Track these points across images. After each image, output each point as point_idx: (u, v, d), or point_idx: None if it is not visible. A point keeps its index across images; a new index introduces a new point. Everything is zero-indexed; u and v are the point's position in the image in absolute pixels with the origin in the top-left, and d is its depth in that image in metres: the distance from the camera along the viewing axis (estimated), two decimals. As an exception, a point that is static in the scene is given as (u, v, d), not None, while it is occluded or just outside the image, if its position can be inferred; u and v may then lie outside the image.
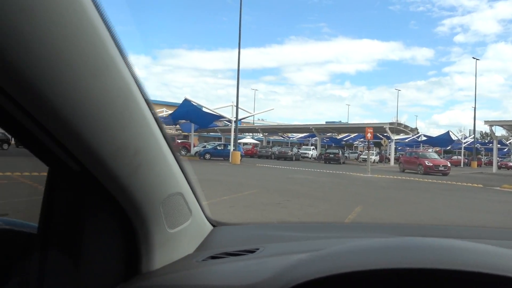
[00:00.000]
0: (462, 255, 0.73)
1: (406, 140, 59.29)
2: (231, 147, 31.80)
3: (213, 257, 1.05)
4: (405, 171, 29.56)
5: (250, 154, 44.48)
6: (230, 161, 29.68)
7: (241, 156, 31.63)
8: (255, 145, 52.23)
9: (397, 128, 42.82)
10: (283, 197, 11.15)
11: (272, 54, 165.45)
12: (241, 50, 29.55)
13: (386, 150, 51.06)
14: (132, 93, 0.72)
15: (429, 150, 41.25)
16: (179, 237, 1.06)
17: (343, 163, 40.99)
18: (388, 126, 40.78)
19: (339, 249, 0.81)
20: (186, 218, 1.10)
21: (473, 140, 54.95)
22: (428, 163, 27.52)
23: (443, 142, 57.29)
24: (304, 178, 19.15)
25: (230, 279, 0.89)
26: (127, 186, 0.81)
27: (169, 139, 0.92)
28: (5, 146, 29.70)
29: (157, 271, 0.96)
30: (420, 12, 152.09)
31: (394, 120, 48.34)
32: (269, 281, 0.78)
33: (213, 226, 1.37)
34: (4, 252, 0.98)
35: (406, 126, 44.76)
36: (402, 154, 61.26)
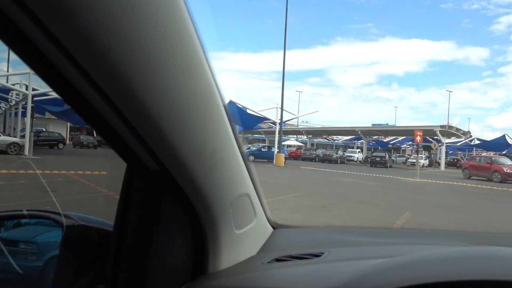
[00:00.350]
0: None
1: (458, 144, 56.86)
2: (275, 149, 31.78)
3: (278, 260, 1.04)
4: (471, 177, 27.09)
5: (294, 156, 44.35)
6: (274, 163, 29.69)
7: (285, 158, 31.54)
8: (299, 147, 51.96)
9: (448, 131, 41.13)
10: (328, 200, 10.98)
11: (317, 56, 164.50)
12: (286, 52, 29.53)
13: (436, 154, 49.28)
14: (213, 92, 0.73)
15: (483, 154, 39.25)
16: (244, 238, 1.07)
17: (390, 166, 39.91)
18: (438, 129, 39.29)
19: (417, 257, 0.77)
20: (251, 219, 1.11)
21: (531, 144, 51.77)
22: (507, 169, 24.51)
23: (499, 146, 54.32)
24: (350, 181, 18.80)
25: (298, 283, 0.87)
26: (201, 185, 0.82)
27: (239, 140, 0.93)
28: (61, 145, 31.40)
29: (223, 272, 0.97)
30: (474, 10, 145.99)
31: (445, 123, 46.59)
32: (345, 287, 0.75)
33: (274, 228, 1.36)
34: (81, 245, 1.05)
35: (458, 129, 42.98)
36: (455, 159, 59.09)
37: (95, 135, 32.63)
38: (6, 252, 1.21)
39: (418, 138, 24.78)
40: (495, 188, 19.85)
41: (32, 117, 23.08)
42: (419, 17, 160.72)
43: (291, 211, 8.80)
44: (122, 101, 0.59)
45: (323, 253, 1.05)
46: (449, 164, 54.41)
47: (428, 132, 39.75)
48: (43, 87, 23.91)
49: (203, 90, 0.69)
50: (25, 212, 1.27)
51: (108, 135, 0.70)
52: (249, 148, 38.52)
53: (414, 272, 0.71)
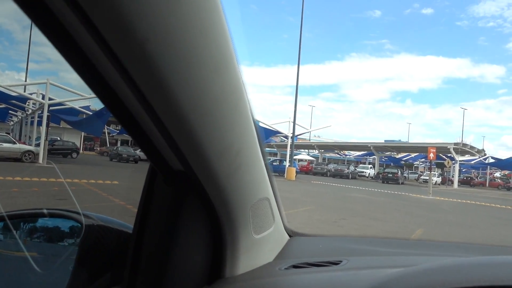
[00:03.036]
0: None
1: (472, 162, 56.00)
2: (287, 163, 31.68)
3: (295, 267, 1.03)
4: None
5: (305, 170, 44.11)
6: (285, 177, 29.57)
7: (296, 172, 31.39)
8: (310, 161, 51.71)
9: (462, 149, 40.67)
10: (339, 215, 10.88)
11: (331, 71, 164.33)
12: (300, 66, 29.63)
13: (449, 171, 48.62)
14: (242, 94, 0.73)
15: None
16: (262, 244, 1.06)
17: (402, 183, 39.43)
18: (452, 146, 38.83)
19: (433, 266, 0.76)
20: (270, 224, 1.10)
21: (547, 164, 50.75)
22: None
23: (513, 165, 53.45)
24: (361, 197, 18.62)
25: None
26: (225, 187, 0.81)
27: (262, 143, 0.92)
28: (74, 155, 31.70)
29: (240, 276, 0.95)
30: (490, 27, 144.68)
31: (459, 140, 45.98)
32: None
33: (290, 236, 1.35)
34: (99, 246, 1.04)
35: (472, 147, 42.47)
36: (468, 177, 57.95)
37: (133, 145, 30.81)
38: (25, 251, 1.23)
39: (432, 155, 24.47)
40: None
41: (47, 126, 23.39)
42: (435, 34, 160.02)
43: (302, 225, 8.72)
44: (154, 94, 0.58)
45: (341, 261, 1.04)
46: (462, 182, 53.57)
47: (442, 149, 39.30)
48: (59, 96, 24.37)
49: (233, 90, 0.69)
50: (45, 211, 1.29)
51: (136, 131, 0.70)
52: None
53: (428, 280, 0.70)
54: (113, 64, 0.53)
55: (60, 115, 28.27)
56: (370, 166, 52.21)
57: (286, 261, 1.08)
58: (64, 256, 1.22)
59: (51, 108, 23.84)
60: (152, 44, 0.50)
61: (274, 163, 36.08)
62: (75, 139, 38.20)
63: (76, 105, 26.91)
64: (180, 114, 0.61)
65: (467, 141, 53.00)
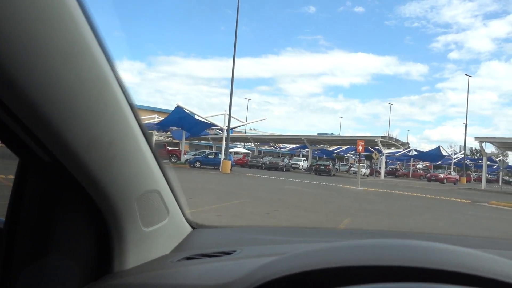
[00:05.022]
0: (433, 254, 0.67)
1: (397, 154, 59.76)
2: (222, 156, 31.70)
3: (188, 258, 1.01)
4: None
5: (241, 163, 44.42)
6: (220, 170, 29.59)
7: (232, 165, 31.53)
8: (246, 154, 52.15)
9: (388, 142, 43.07)
10: (272, 207, 11.07)
11: (268, 65, 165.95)
12: (237, 59, 29.64)
13: (377, 163, 51.34)
14: (109, 81, 0.69)
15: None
16: (154, 237, 1.03)
17: (334, 175, 41.04)
18: (379, 139, 40.98)
19: (302, 251, 0.78)
20: (163, 217, 1.07)
21: (463, 156, 55.41)
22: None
23: (434, 157, 57.69)
24: (294, 189, 19.10)
25: (204, 279, 0.86)
26: (100, 180, 0.77)
27: (147, 133, 0.88)
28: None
29: (130, 270, 0.92)
30: (415, 28, 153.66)
31: (386, 134, 48.68)
32: (241, 280, 0.75)
33: (193, 228, 1.34)
34: None
35: (397, 140, 45.08)
36: (394, 168, 61.87)
37: None
38: None
39: (360, 147, 25.70)
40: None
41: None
42: (366, 32, 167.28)
43: (234, 218, 8.77)
44: None
45: (235, 251, 1.05)
46: (388, 173, 56.82)
47: (370, 142, 41.33)
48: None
49: (94, 79, 0.65)
50: None
51: None
52: (195, 154, 38.14)
53: (296, 262, 0.71)
54: None
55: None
56: (303, 158, 53.68)
57: (182, 253, 1.06)
58: None
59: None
60: None
61: (209, 156, 35.97)
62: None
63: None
64: (31, 104, 0.57)
65: (393, 134, 56.52)
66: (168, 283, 0.86)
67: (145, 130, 0.87)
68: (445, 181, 43.31)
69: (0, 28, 0.48)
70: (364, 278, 0.63)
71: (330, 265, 0.66)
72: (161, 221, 1.06)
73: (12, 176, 0.85)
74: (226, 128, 31.21)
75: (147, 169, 0.92)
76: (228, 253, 1.03)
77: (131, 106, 0.78)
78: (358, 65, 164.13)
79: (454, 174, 48.12)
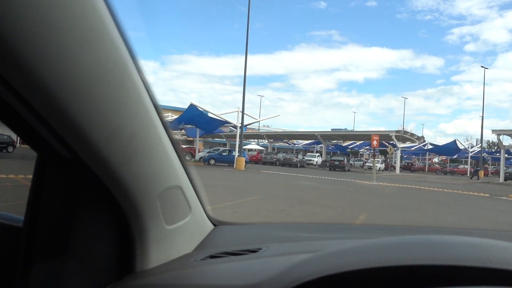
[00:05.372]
0: (465, 250, 0.64)
1: (412, 149, 59.00)
2: (236, 153, 31.74)
3: (212, 256, 0.98)
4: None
5: (255, 160, 44.43)
6: (234, 167, 29.62)
7: (246, 162, 31.52)
8: (260, 151, 52.14)
9: (403, 136, 42.64)
10: (287, 203, 11.02)
11: (281, 61, 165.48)
12: (250, 56, 29.59)
13: (392, 158, 50.86)
14: (129, 70, 0.65)
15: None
16: (177, 235, 1.00)
17: (348, 170, 40.77)
18: (394, 134, 40.61)
19: (339, 249, 0.75)
20: (185, 214, 1.04)
21: (480, 149, 54.47)
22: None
23: (450, 151, 56.83)
24: (309, 185, 19.01)
25: (230, 279, 0.83)
26: (121, 176, 0.73)
27: (168, 128, 0.84)
28: (10, 149, 29.89)
29: (152, 270, 0.89)
30: (428, 20, 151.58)
31: (400, 128, 48.16)
32: (272, 280, 0.71)
33: (214, 225, 1.31)
34: None
35: (412, 134, 44.62)
36: (409, 163, 61.24)
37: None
38: None
39: (375, 142, 25.44)
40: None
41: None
42: (379, 26, 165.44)
43: (250, 214, 8.75)
44: (11, 71, 0.51)
45: (260, 249, 1.02)
46: (404, 168, 56.33)
47: (385, 137, 41.00)
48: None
49: (114, 65, 0.61)
50: None
51: (8, 117, 0.61)
52: (209, 152, 38.25)
53: (331, 262, 0.69)
54: None
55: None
56: (317, 154, 53.44)
57: (205, 251, 1.03)
58: None
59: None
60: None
61: (223, 153, 36.01)
62: (11, 131, 35.91)
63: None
64: (47, 92, 0.54)
65: (408, 128, 55.93)
66: (194, 284, 0.83)
67: (166, 122, 0.83)
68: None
69: (13, 9, 0.45)
70: (422, 278, 0.60)
71: (380, 265, 0.63)
72: (184, 218, 1.03)
73: (31, 176, 0.83)
74: (240, 125, 31.22)
75: (169, 164, 0.89)
76: (253, 251, 1.00)
77: (152, 97, 0.75)
78: (373, 59, 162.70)
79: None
